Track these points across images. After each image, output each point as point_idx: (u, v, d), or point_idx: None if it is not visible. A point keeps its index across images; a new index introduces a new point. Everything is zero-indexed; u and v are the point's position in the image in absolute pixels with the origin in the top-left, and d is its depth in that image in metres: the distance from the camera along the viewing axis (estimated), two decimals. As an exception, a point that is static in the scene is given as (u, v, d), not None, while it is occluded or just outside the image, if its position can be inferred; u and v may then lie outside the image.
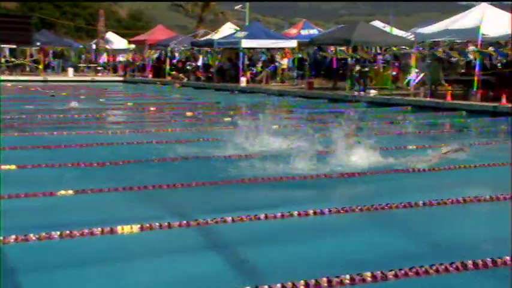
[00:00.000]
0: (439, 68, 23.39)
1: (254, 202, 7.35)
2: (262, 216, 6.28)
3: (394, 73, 26.01)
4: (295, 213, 6.48)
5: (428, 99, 21.81)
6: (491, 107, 18.93)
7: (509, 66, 21.37)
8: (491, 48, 22.60)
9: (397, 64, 26.57)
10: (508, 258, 5.10)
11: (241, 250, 5.72)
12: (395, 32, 30.62)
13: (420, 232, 6.48)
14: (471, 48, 23.24)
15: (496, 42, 23.13)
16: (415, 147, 11.22)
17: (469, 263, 5.04)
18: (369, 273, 4.61)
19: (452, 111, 19.03)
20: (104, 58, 42.62)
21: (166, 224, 5.83)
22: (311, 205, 6.78)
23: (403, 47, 26.78)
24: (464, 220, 6.95)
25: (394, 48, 27.44)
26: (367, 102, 21.85)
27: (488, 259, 5.07)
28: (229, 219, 6.13)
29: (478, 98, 20.31)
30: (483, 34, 20.76)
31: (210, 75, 33.11)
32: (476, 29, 20.94)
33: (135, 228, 5.61)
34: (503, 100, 18.86)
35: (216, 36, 34.32)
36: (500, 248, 5.76)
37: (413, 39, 24.65)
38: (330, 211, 6.67)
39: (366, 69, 25.59)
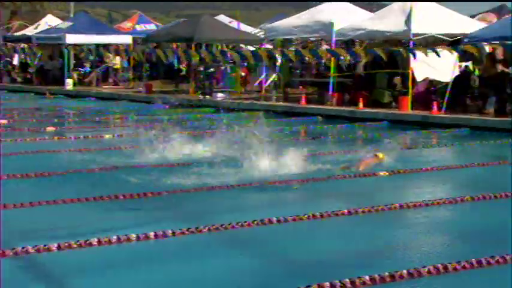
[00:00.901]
0: (291, 69, 24.29)
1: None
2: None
3: (242, 74, 26.59)
4: (133, 236, 6.42)
5: (281, 103, 22.51)
6: (347, 112, 19.93)
7: (368, 68, 22.62)
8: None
9: (245, 64, 27.17)
10: (367, 278, 5.35)
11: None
12: (244, 27, 31.33)
13: (273, 251, 6.62)
14: (324, 47, 24.32)
15: (351, 41, 24.42)
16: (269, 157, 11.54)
17: (326, 285, 5.21)
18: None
19: (306, 116, 19.77)
20: None
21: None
22: (147, 228, 6.74)
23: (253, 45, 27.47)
24: (323, 236, 7.21)
25: (243, 46, 28.07)
26: (214, 107, 22.12)
27: (347, 280, 5.28)
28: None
29: (334, 102, 21.29)
30: (337, 32, 21.79)
31: (29, 76, 31.85)
32: (329, 26, 21.92)
33: None
34: (360, 104, 19.92)
35: (35, 30, 33.11)
36: (360, 266, 6.04)
37: (263, 36, 25.32)
38: (173, 233, 6.63)
39: (212, 69, 25.92)
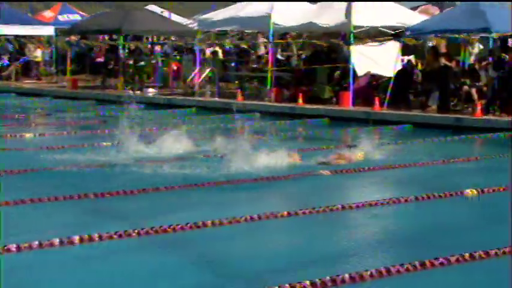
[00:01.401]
0: (225, 63, 24.29)
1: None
2: None
3: (174, 68, 26.44)
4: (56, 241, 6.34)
5: (216, 99, 22.50)
6: (287, 108, 20.06)
7: (308, 62, 22.82)
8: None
9: (178, 58, 27.04)
10: (307, 283, 5.40)
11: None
12: (176, 18, 31.12)
13: (205, 254, 6.62)
14: (261, 40, 24.41)
15: (287, 34, 24.61)
16: (202, 156, 11.54)
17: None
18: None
19: (243, 113, 19.82)
20: None
21: None
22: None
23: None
24: (260, 239, 7.24)
25: (174, 39, 27.91)
26: (145, 103, 21.96)
27: (287, 285, 5.32)
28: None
29: (273, 97, 21.40)
30: (275, 24, 21.85)
31: None
32: (266, 18, 21.97)
33: None
34: (300, 100, 20.09)
35: None
36: (300, 270, 6.09)
37: (196, 27, 25.19)
38: (100, 237, 6.56)
39: (142, 63, 25.69)
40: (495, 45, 20.17)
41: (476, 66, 19.27)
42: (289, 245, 7.08)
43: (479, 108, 16.98)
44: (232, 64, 26.52)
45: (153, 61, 26.59)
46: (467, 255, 6.09)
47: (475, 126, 16.27)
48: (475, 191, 9.18)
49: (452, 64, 18.91)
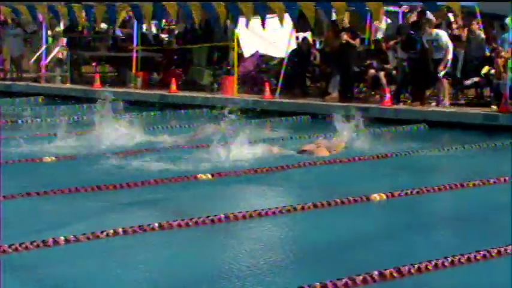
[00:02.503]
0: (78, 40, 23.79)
1: None
2: None
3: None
4: None
5: (68, 85, 22.07)
6: (156, 96, 19.90)
7: (182, 39, 22.74)
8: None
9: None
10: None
11: None
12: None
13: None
14: (123, 13, 24.08)
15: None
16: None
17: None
18: None
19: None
20: None
21: None
22: None
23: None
24: (123, 259, 7.09)
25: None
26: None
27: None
28: None
29: (139, 83, 21.17)
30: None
31: None
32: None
33: None
34: (173, 87, 19.94)
35: None
36: None
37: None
38: None
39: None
40: (404, 21, 20.60)
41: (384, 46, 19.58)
42: (157, 264, 6.97)
43: (388, 95, 17.37)
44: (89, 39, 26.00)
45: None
46: (375, 273, 6.16)
47: (384, 118, 16.66)
48: (383, 195, 9.35)
49: (356, 42, 19.13)
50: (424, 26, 17.54)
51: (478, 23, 18.31)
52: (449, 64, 17.16)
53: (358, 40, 19.31)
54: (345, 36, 18.69)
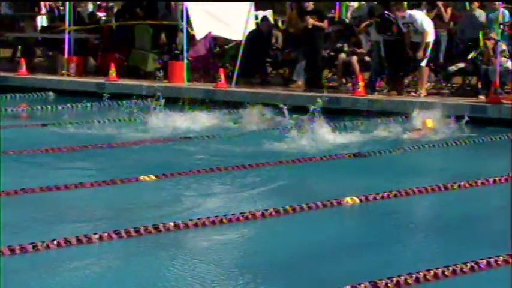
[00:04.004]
0: None
1: None
2: None
3: None
4: None
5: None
6: (92, 85, 19.77)
7: (120, 17, 22.61)
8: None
9: None
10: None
11: None
12: None
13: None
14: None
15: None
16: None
17: None
18: None
19: (30, 91, 19.44)
20: None
21: None
22: None
23: None
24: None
25: None
26: None
27: None
28: None
29: (72, 69, 20.99)
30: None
31: None
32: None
33: None
34: (112, 73, 19.78)
35: None
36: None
37: None
38: None
39: None
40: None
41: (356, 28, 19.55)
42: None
43: (361, 84, 17.40)
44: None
45: None
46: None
47: (356, 109, 16.77)
48: (356, 199, 9.42)
49: (324, 24, 19.03)
50: (393, 9, 17.61)
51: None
52: (428, 50, 17.20)
53: (326, 21, 19.17)
54: (310, 21, 18.58)
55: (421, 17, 17.22)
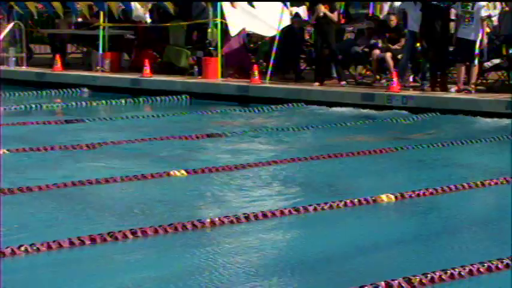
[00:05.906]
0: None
1: None
2: None
3: None
4: None
5: (24, 69, 22.00)
6: (127, 81, 19.88)
7: (157, 15, 22.65)
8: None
9: None
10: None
11: None
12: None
13: None
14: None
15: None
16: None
17: None
18: None
19: (65, 87, 19.61)
20: None
21: None
22: None
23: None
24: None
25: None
26: None
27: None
28: None
29: (107, 66, 21.06)
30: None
31: None
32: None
33: None
34: (147, 70, 19.79)
35: None
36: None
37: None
38: None
39: None
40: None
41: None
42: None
43: (395, 80, 17.26)
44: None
45: None
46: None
47: (391, 106, 16.82)
48: (392, 197, 9.42)
49: (334, 16, 18.52)
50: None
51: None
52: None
53: (335, 14, 18.72)
54: (322, 9, 18.43)
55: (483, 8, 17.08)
